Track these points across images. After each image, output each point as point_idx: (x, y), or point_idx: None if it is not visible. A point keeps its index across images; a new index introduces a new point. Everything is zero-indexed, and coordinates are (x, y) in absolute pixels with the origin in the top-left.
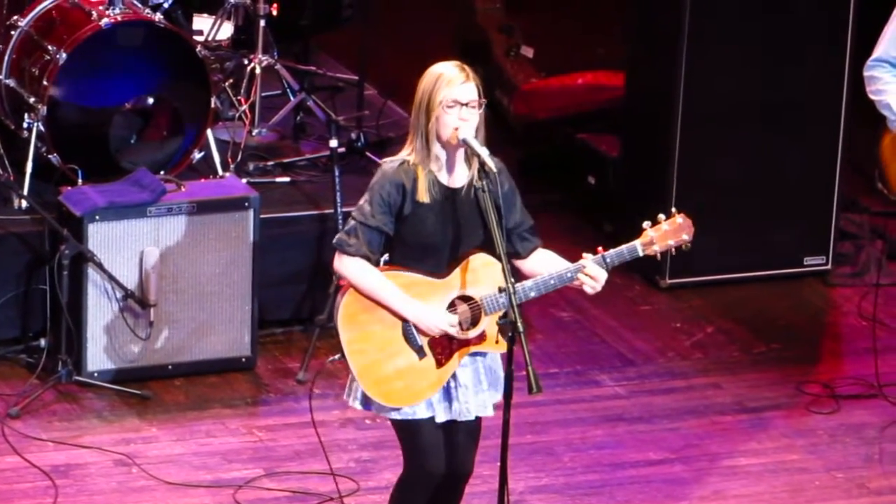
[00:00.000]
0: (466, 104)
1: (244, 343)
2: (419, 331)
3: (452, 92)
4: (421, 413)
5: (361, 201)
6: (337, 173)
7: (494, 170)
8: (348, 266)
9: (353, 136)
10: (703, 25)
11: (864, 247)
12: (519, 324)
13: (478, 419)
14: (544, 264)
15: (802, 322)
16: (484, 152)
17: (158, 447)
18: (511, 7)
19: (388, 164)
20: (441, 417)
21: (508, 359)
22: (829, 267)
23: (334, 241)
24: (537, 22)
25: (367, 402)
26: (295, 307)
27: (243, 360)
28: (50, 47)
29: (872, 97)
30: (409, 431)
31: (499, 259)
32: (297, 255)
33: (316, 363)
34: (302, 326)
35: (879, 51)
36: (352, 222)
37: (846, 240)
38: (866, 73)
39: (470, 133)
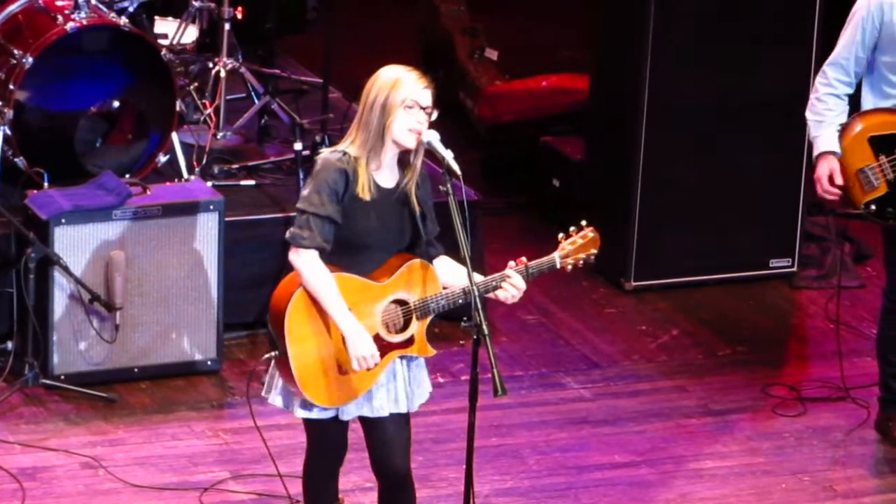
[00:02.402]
0: (424, 108)
1: (210, 346)
2: None
3: (414, 92)
4: (321, 413)
5: (306, 191)
6: (301, 176)
7: (459, 172)
8: (304, 260)
9: (318, 138)
10: (667, 28)
11: (829, 249)
12: (484, 326)
13: (403, 416)
14: (447, 270)
15: (768, 324)
16: (448, 155)
17: (125, 450)
18: (475, 9)
19: (330, 153)
20: (350, 414)
21: (473, 361)
22: (794, 269)
23: (287, 235)
24: (502, 24)
25: (287, 400)
26: (260, 310)
27: (209, 362)
28: (16, 51)
29: (810, 114)
30: (314, 428)
31: (463, 262)
32: (262, 258)
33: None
34: (266, 329)
35: (834, 53)
36: (303, 215)
37: (812, 242)
38: (819, 78)
39: (434, 136)
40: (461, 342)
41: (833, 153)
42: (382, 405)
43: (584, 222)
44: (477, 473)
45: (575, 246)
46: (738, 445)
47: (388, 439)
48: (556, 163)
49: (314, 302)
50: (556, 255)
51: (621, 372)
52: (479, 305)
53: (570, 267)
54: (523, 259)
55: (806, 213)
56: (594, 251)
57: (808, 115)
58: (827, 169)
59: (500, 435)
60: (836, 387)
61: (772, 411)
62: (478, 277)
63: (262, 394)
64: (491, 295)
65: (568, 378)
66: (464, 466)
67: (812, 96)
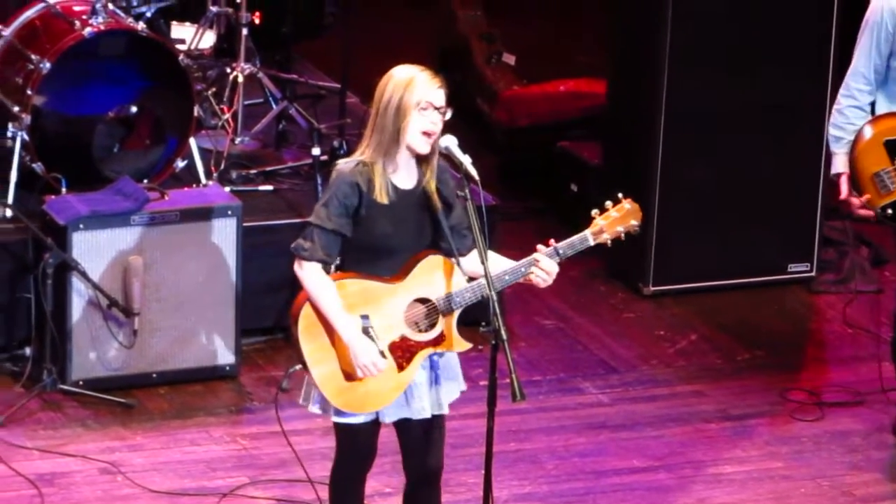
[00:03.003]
0: (438, 109)
1: (228, 351)
2: (378, 335)
3: (427, 94)
4: (360, 418)
5: (318, 204)
6: (319, 181)
7: (477, 178)
8: (306, 272)
9: (336, 143)
10: (684, 31)
11: (847, 253)
12: (502, 332)
13: (439, 418)
14: (478, 263)
15: (786, 329)
16: (466, 160)
17: (143, 455)
18: (492, 14)
19: (344, 164)
20: (391, 417)
21: (492, 367)
22: (812, 274)
23: (292, 246)
24: (518, 29)
25: (325, 406)
26: (278, 315)
27: (227, 368)
28: (33, 56)
29: (832, 128)
30: (345, 433)
31: (483, 265)
32: (279, 263)
33: (299, 372)
34: (285, 334)
35: (853, 63)
36: (309, 226)
37: (830, 246)
38: (842, 90)
39: (452, 141)
40: (479, 347)
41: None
42: (424, 406)
43: (620, 195)
44: (495, 478)
45: (609, 220)
46: (757, 450)
47: (424, 440)
48: (574, 168)
49: (320, 316)
50: (587, 232)
51: (639, 377)
52: (498, 310)
53: (609, 242)
54: (552, 241)
55: (824, 217)
56: (635, 222)
57: (830, 127)
58: (847, 189)
59: (519, 440)
60: (854, 391)
61: (790, 416)
62: (506, 264)
63: (300, 401)
64: (522, 280)
65: (586, 383)
66: (482, 471)
67: (834, 108)
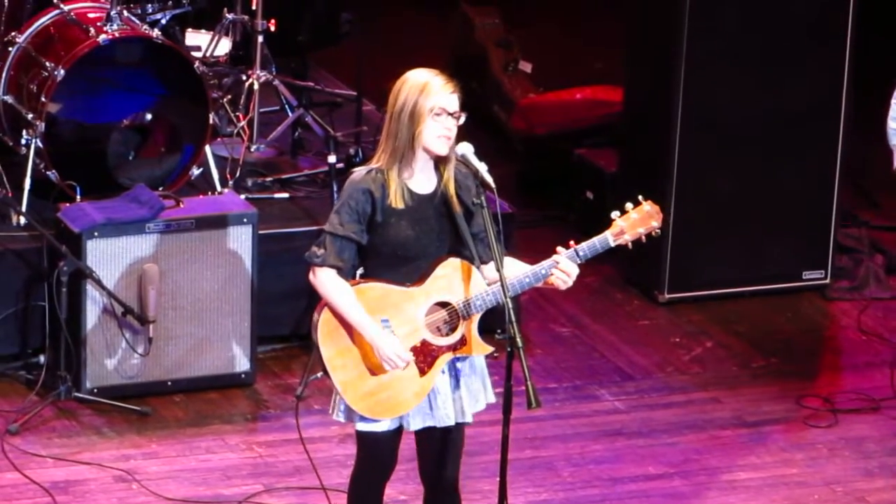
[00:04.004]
0: (452, 114)
1: (243, 359)
2: (399, 340)
3: (441, 100)
4: (383, 426)
5: (332, 212)
6: (335, 189)
7: (493, 185)
8: (320, 279)
9: (352, 151)
10: (701, 40)
11: (862, 261)
12: (518, 339)
13: (460, 426)
14: (511, 268)
15: (801, 336)
16: (482, 168)
17: (158, 463)
18: (509, 22)
19: (357, 172)
20: (416, 425)
21: (507, 374)
22: (827, 281)
23: (305, 255)
24: (535, 37)
25: (350, 414)
26: (294, 323)
27: (242, 376)
28: (48, 64)
29: (891, 123)
30: (368, 441)
31: (498, 272)
32: (295, 271)
33: (318, 380)
34: (301, 342)
35: None
36: (322, 234)
37: (844, 254)
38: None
39: (468, 149)
40: (495, 355)
41: None
42: (448, 414)
43: (641, 197)
44: (511, 486)
45: (629, 221)
46: (772, 457)
47: (443, 448)
48: (591, 175)
49: (340, 320)
50: (607, 234)
51: (655, 384)
52: (514, 318)
53: (630, 244)
54: (571, 242)
55: (839, 224)
56: (656, 224)
57: (889, 121)
58: None
59: (535, 447)
60: (868, 398)
61: (805, 423)
62: (526, 268)
63: (330, 412)
64: (541, 284)
65: (602, 390)
66: (498, 479)
67: (892, 101)
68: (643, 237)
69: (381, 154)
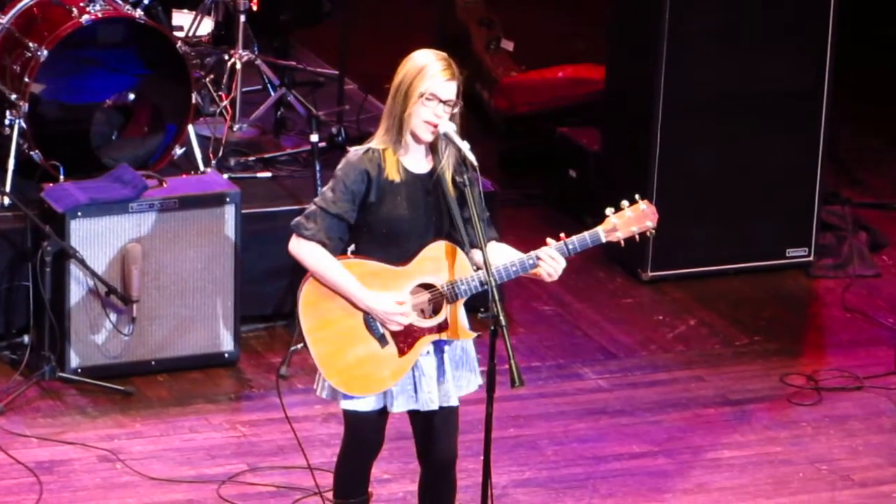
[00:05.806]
0: (444, 102)
1: (227, 339)
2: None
3: (434, 85)
4: (367, 405)
5: (325, 187)
6: (318, 168)
7: (475, 164)
8: (303, 249)
9: (334, 130)
10: (683, 18)
11: (846, 238)
12: (501, 318)
13: (451, 408)
14: (499, 255)
15: (785, 314)
16: (465, 146)
17: (142, 443)
18: (491, 0)
19: (354, 152)
20: (400, 408)
21: (491, 352)
22: (811, 259)
23: (292, 223)
24: (517, 15)
25: (334, 393)
26: (277, 302)
27: (226, 355)
28: (31, 44)
29: None
30: (352, 421)
31: (482, 251)
32: (278, 251)
33: (298, 359)
34: (284, 322)
35: None
36: (313, 207)
37: (828, 231)
38: None
39: (451, 127)
40: (478, 334)
41: None
42: (432, 398)
43: (637, 196)
44: (495, 464)
45: (623, 219)
46: (756, 435)
47: (436, 430)
48: (573, 154)
49: (325, 294)
50: (599, 230)
51: (639, 362)
52: (497, 297)
53: (622, 242)
54: (562, 235)
55: (822, 202)
56: (651, 224)
57: None
58: None
59: (518, 426)
60: (852, 376)
61: (788, 401)
62: (515, 255)
63: (315, 389)
64: (530, 273)
65: (585, 369)
66: (481, 457)
67: None
68: (636, 236)
69: (377, 133)
